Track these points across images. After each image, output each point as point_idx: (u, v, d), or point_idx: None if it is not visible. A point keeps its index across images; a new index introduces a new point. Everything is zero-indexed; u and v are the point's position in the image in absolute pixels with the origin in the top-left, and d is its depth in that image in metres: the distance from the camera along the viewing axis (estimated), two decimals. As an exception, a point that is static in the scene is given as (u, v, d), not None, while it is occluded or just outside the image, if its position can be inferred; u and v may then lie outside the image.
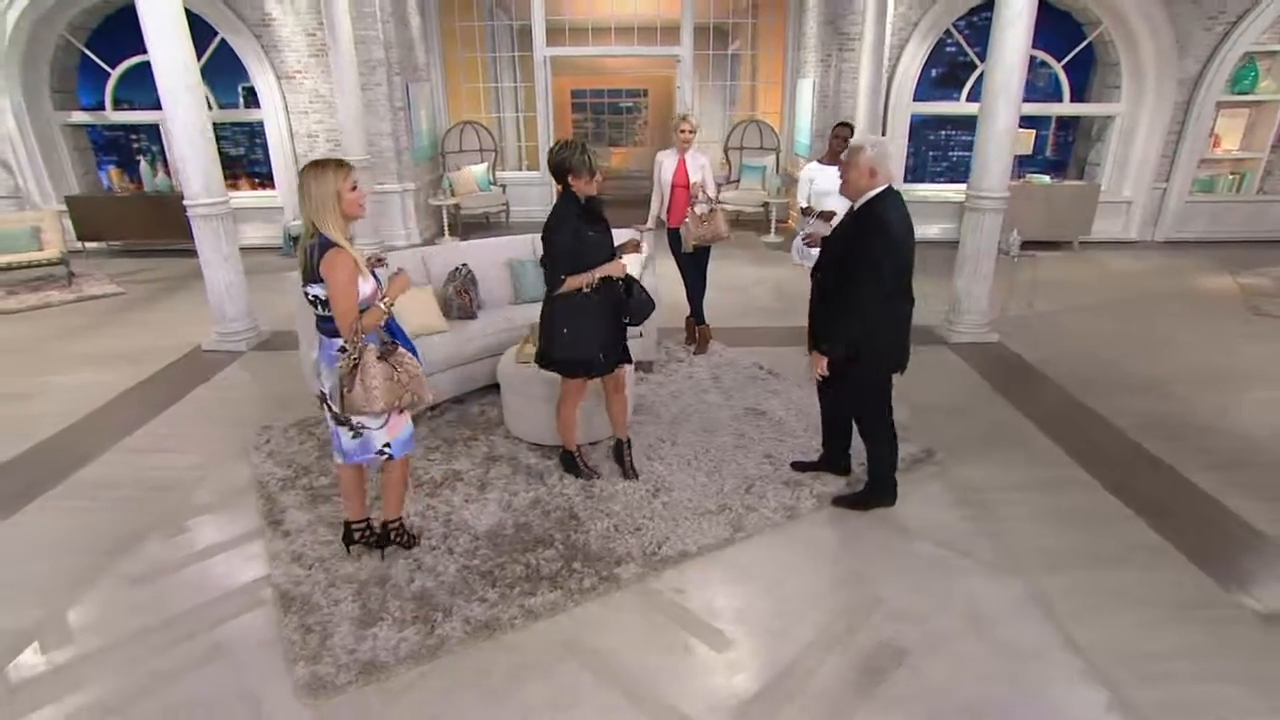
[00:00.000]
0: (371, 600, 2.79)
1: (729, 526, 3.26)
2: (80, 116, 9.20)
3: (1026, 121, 8.62)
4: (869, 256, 2.90)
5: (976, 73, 8.47)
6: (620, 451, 3.69)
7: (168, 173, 8.72)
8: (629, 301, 3.33)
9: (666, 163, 5.09)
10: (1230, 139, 8.75)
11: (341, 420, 2.74)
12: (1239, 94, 8.40)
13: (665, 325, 5.20)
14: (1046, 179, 8.74)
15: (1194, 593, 2.88)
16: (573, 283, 3.14)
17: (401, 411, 2.80)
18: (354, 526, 3.05)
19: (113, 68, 8.96)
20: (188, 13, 8.02)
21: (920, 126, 9.47)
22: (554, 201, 3.27)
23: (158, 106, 5.02)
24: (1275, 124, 8.46)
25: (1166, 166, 8.61)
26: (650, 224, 5.24)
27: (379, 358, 2.60)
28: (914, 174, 9.58)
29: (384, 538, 3.07)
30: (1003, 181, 5.13)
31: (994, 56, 4.91)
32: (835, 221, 4.73)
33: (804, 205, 5.00)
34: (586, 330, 3.24)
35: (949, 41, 8.69)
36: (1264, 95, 8.40)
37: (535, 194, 10.05)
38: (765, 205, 9.27)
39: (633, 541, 3.15)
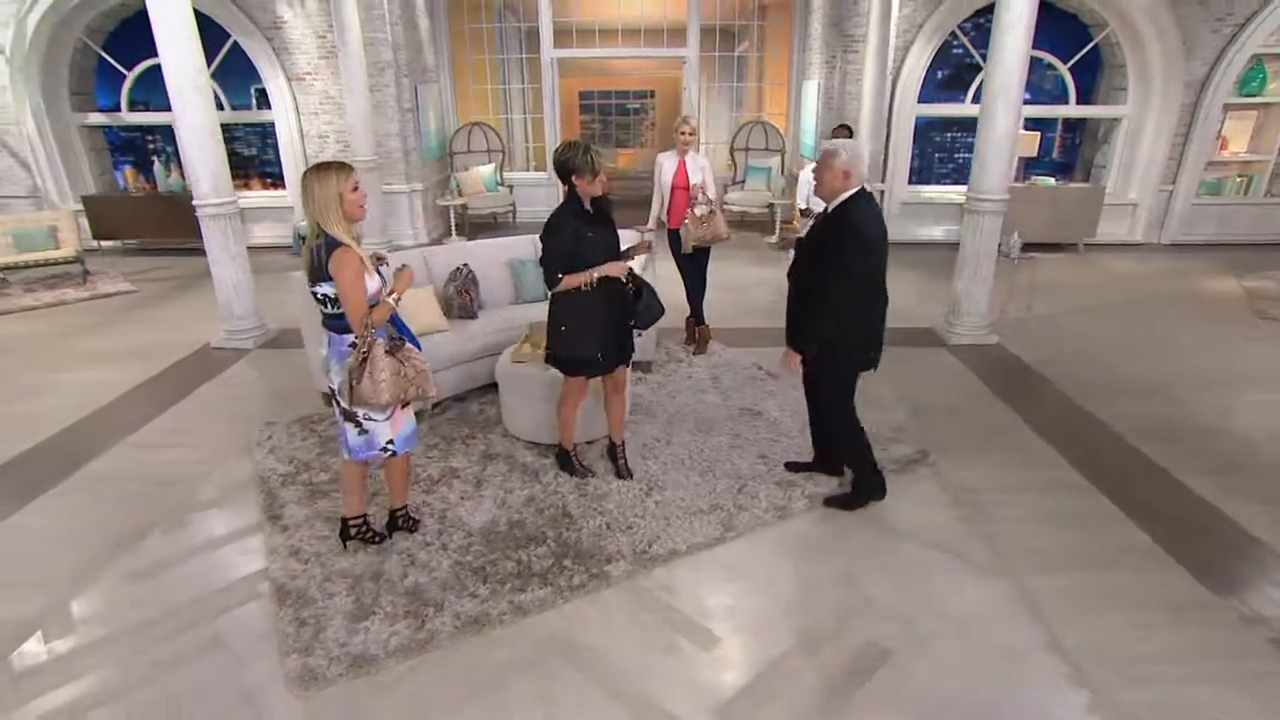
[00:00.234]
0: (365, 595, 2.84)
1: (720, 526, 3.29)
2: (97, 118, 9.38)
3: (1032, 124, 8.60)
4: (843, 256, 2.95)
5: (981, 75, 8.43)
6: (614, 451, 3.73)
7: (181, 173, 8.86)
8: (636, 305, 3.35)
9: (667, 164, 5.13)
10: (1238, 141, 8.68)
11: (349, 416, 2.83)
12: (1247, 96, 8.33)
13: (665, 326, 5.19)
14: (1051, 181, 8.70)
15: (1184, 596, 2.87)
16: (570, 281, 3.17)
17: (405, 405, 2.89)
18: (351, 523, 3.12)
19: (129, 70, 9.12)
20: (202, 15, 8.21)
21: (926, 128, 9.47)
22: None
23: (171, 108, 5.12)
24: (1284, 126, 8.40)
25: (1173, 169, 8.55)
26: (651, 225, 5.28)
27: (387, 352, 2.70)
28: (919, 175, 9.55)
29: (392, 524, 3.20)
30: (1002, 184, 5.13)
31: (994, 60, 4.92)
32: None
33: (803, 207, 5.03)
34: (585, 329, 3.26)
35: (955, 43, 8.66)
36: (1272, 97, 8.34)
37: (542, 194, 10.12)
38: (770, 206, 9.29)
39: (624, 540, 3.19)
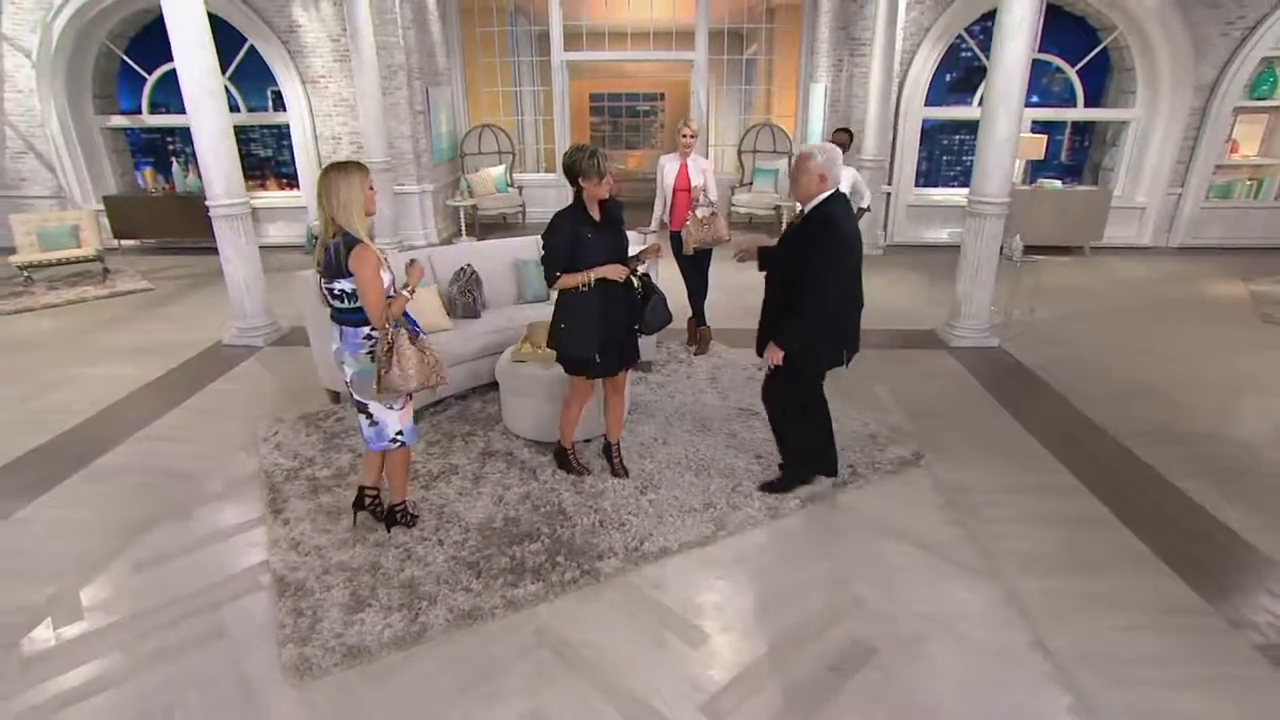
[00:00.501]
0: (362, 587, 2.91)
1: (712, 524, 3.33)
2: (119, 120, 9.60)
3: (1039, 126, 8.56)
4: (825, 256, 3.02)
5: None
6: (610, 450, 3.78)
7: (198, 174, 9.02)
8: (644, 310, 3.39)
9: (669, 167, 5.18)
10: (1249, 145, 8.60)
11: (361, 408, 2.98)
12: (1257, 99, 8.26)
13: (667, 327, 5.28)
14: (1058, 184, 8.66)
15: (1173, 600, 2.88)
16: (567, 280, 3.23)
17: (410, 397, 3.04)
18: (366, 491, 3.29)
19: (149, 73, 9.33)
20: (220, 20, 8.40)
21: (935, 131, 9.43)
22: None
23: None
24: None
25: (1181, 172, 8.48)
26: (654, 227, 5.33)
27: (411, 339, 2.85)
28: (927, 178, 9.52)
29: (390, 519, 3.28)
30: (1003, 187, 5.13)
31: (995, 65, 4.93)
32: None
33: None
34: (583, 329, 3.30)
35: (963, 46, 8.64)
36: (1283, 101, 8.25)
37: (552, 196, 10.18)
38: (777, 208, 9.31)
39: (616, 537, 3.24)
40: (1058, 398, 4.69)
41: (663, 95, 15.80)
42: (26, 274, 7.59)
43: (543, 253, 3.28)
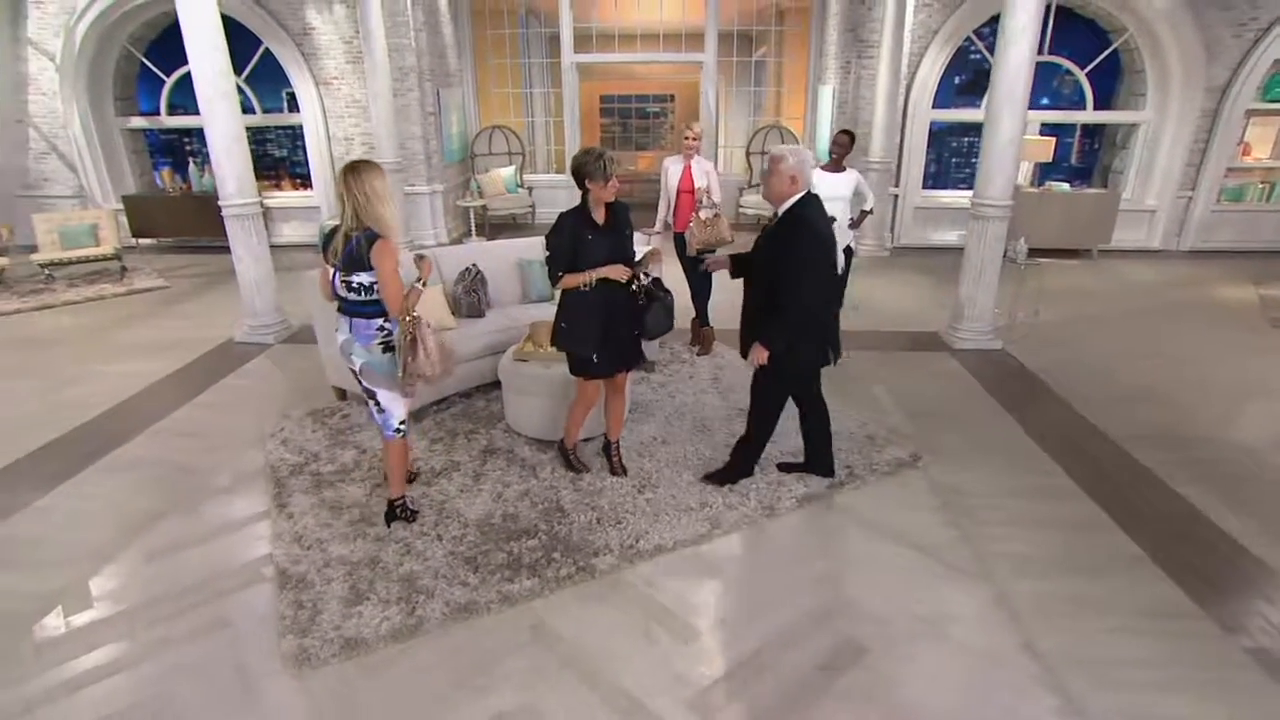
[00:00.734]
0: (361, 580, 2.98)
1: (707, 523, 3.37)
2: (138, 121, 9.79)
3: (1048, 129, 8.51)
4: (802, 255, 3.07)
5: (1001, 79, 8.39)
6: (609, 449, 3.82)
7: (214, 174, 9.18)
8: (644, 315, 3.42)
9: (673, 168, 5.22)
10: (1261, 147, 8.51)
11: (370, 395, 3.13)
12: (1270, 102, 8.17)
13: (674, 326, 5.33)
14: (1066, 187, 8.60)
15: (1166, 605, 2.88)
16: (569, 280, 3.28)
17: (441, 378, 3.17)
18: (394, 502, 3.37)
19: (168, 75, 9.51)
20: (236, 23, 8.55)
21: (943, 133, 9.39)
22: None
23: (204, 113, 5.37)
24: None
25: (1192, 175, 8.39)
26: (658, 228, 5.37)
27: (429, 327, 3.01)
28: (936, 180, 9.49)
29: (390, 514, 3.38)
30: (1007, 190, 5.13)
31: (999, 69, 4.93)
32: (835, 226, 4.82)
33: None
34: (583, 328, 3.35)
35: (972, 49, 8.61)
36: (1296, 103, 8.14)
37: (562, 196, 10.25)
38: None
39: (613, 534, 3.28)
40: (1059, 401, 4.69)
41: (672, 97, 15.85)
42: (48, 272, 7.77)
43: (548, 254, 3.33)
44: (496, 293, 5.06)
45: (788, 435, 4.12)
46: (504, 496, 3.60)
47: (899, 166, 8.67)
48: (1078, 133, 9.42)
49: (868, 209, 5.11)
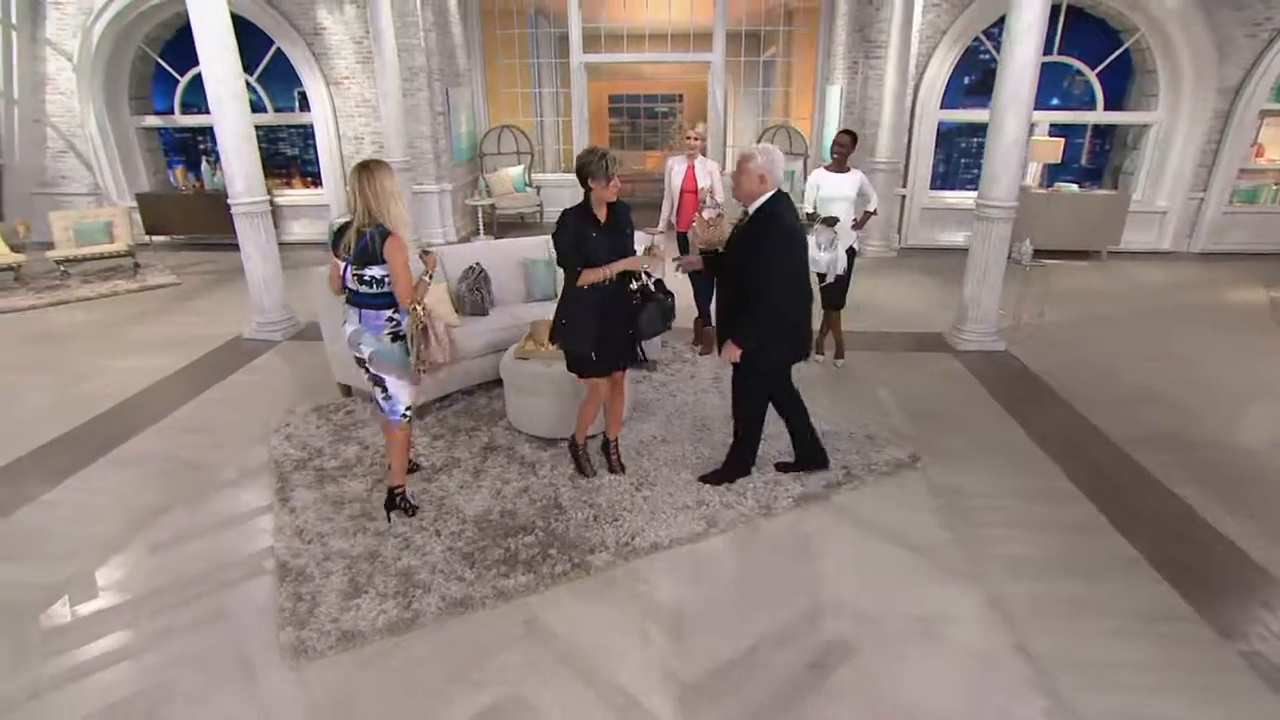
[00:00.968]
0: (360, 574, 3.02)
1: (704, 521, 3.39)
2: (153, 120, 9.93)
3: (1058, 130, 8.44)
4: (772, 253, 3.10)
5: (1012, 79, 8.33)
6: (608, 447, 3.85)
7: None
8: (639, 314, 3.45)
9: (676, 168, 5.24)
10: (1275, 149, 8.43)
11: (377, 382, 3.24)
12: (1286, 103, 8.05)
13: (674, 326, 5.33)
14: (1075, 188, 8.54)
15: (1162, 608, 2.87)
16: (589, 275, 3.30)
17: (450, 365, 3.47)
18: (394, 490, 3.45)
19: (182, 75, 9.64)
20: (250, 24, 8.65)
21: (952, 134, 9.34)
22: None
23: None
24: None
25: (1204, 176, 8.30)
26: (661, 228, 5.39)
27: (436, 318, 3.20)
28: (945, 181, 9.44)
29: (390, 502, 3.44)
30: (1011, 191, 5.11)
31: (1004, 69, 4.92)
32: (838, 227, 4.83)
33: (809, 211, 5.07)
34: (582, 326, 3.37)
35: (981, 49, 8.56)
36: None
37: (569, 196, 10.13)
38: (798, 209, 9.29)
39: (609, 532, 3.31)
40: (1062, 402, 4.66)
41: (681, 97, 15.87)
42: (63, 268, 7.90)
43: (558, 253, 3.35)
44: (500, 291, 5.10)
45: (783, 436, 4.12)
46: (503, 493, 3.64)
47: (906, 167, 8.64)
48: (1088, 133, 9.34)
49: (871, 209, 5.10)
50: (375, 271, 3.06)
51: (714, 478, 3.69)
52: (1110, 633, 2.73)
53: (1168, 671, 2.56)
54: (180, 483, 3.78)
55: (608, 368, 3.54)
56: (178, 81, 9.71)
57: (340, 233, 3.12)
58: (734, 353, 3.28)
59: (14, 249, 7.86)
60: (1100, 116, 8.72)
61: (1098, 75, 8.49)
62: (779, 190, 3.22)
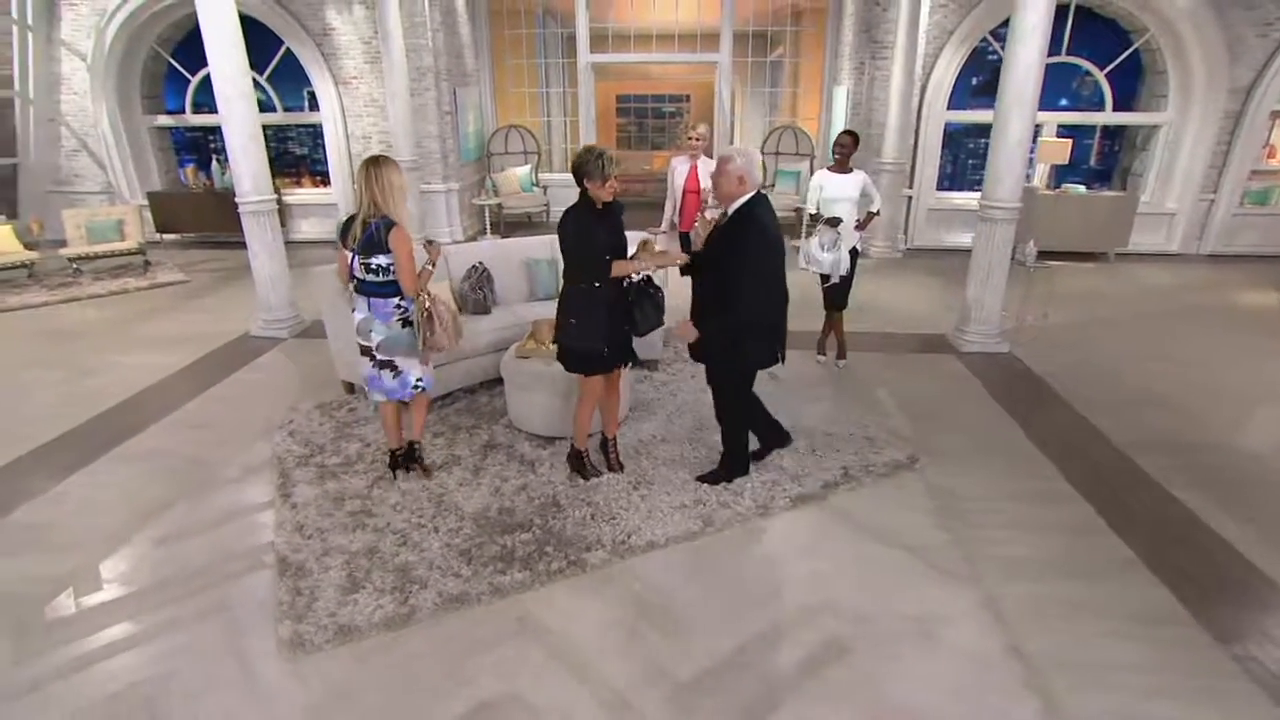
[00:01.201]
0: (358, 570, 3.06)
1: (700, 520, 3.40)
2: (164, 120, 10.04)
3: (1066, 130, 8.39)
4: (750, 254, 3.12)
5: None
6: (607, 445, 3.86)
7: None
8: (634, 311, 3.46)
9: (680, 168, 5.26)
10: (1288, 150, 8.30)
11: (385, 365, 3.45)
12: (1297, 103, 7.96)
13: (675, 326, 5.34)
14: (1082, 189, 8.48)
15: (1158, 610, 2.86)
16: (621, 268, 3.34)
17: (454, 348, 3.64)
18: (397, 453, 3.75)
19: (193, 75, 9.74)
20: (261, 24, 8.73)
21: (960, 135, 9.31)
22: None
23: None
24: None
25: (1214, 177, 8.23)
26: (664, 227, 5.41)
27: (442, 303, 3.44)
28: (953, 181, 9.41)
29: (409, 454, 3.77)
30: (1015, 192, 5.09)
31: (1008, 70, 4.90)
32: (840, 228, 4.83)
33: (812, 211, 5.07)
34: (592, 324, 3.38)
35: (989, 50, 8.52)
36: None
37: (575, 196, 10.32)
38: (798, 210, 9.28)
39: (605, 530, 3.32)
40: (1063, 404, 4.64)
41: (688, 97, 15.88)
42: (75, 266, 8.00)
43: (579, 253, 3.32)
44: (503, 290, 5.13)
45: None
46: (502, 491, 3.66)
47: (913, 168, 8.61)
48: (1097, 134, 9.28)
49: (874, 210, 5.09)
50: (381, 260, 3.24)
51: (711, 477, 3.70)
52: (1106, 635, 2.72)
53: (1163, 674, 2.55)
54: (184, 478, 3.83)
55: (613, 365, 3.55)
56: (189, 81, 9.81)
57: (348, 225, 3.30)
58: (690, 332, 3.31)
59: (28, 246, 7.98)
60: (1109, 117, 8.67)
61: (1107, 76, 8.44)
62: (758, 192, 3.24)
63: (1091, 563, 3.14)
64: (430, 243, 3.47)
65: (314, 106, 9.63)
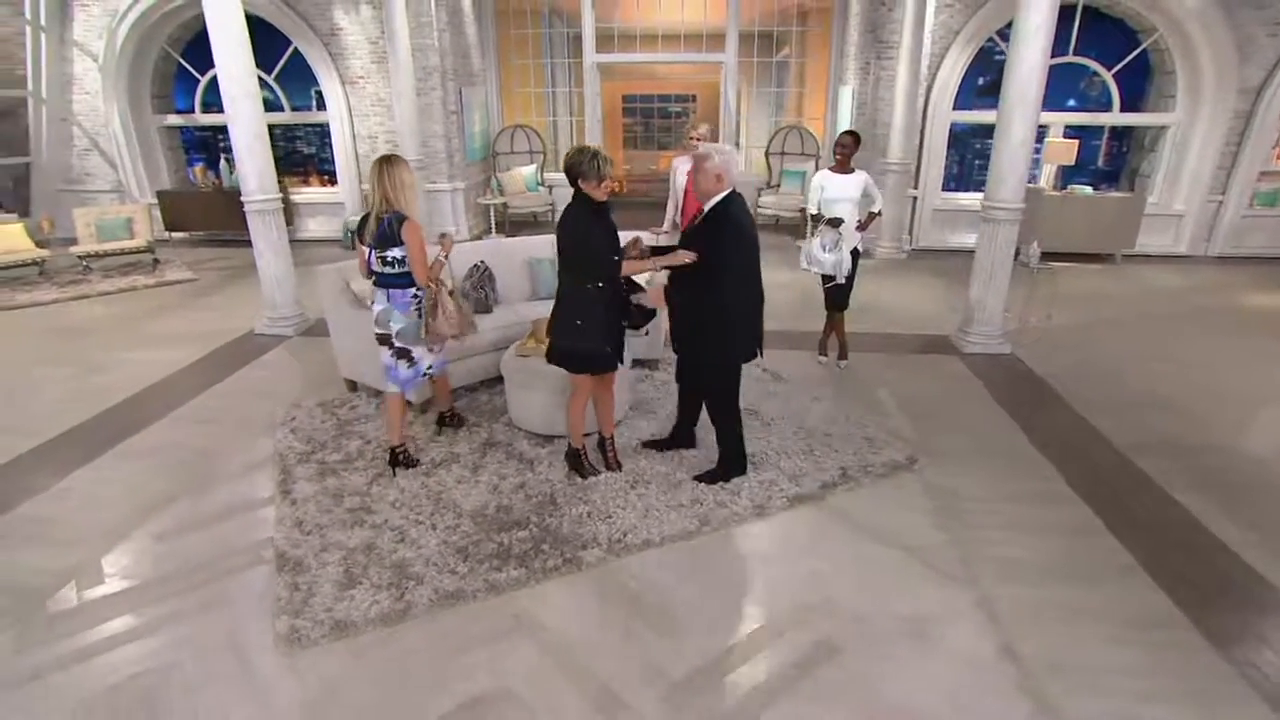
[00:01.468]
0: (355, 566, 3.08)
1: (697, 520, 3.40)
2: (174, 119, 10.14)
3: (1072, 131, 8.33)
4: (727, 250, 3.19)
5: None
6: (604, 445, 3.87)
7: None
8: (630, 306, 3.48)
9: (681, 168, 5.26)
10: (1298, 151, 8.21)
11: (402, 354, 3.64)
12: (1309, 104, 7.86)
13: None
14: (1089, 190, 8.42)
15: (1154, 613, 2.84)
16: (631, 267, 3.35)
17: (458, 339, 3.85)
18: (397, 450, 3.84)
19: (202, 75, 9.82)
20: (269, 25, 8.80)
21: (967, 135, 9.26)
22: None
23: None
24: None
25: (1223, 178, 8.16)
26: (666, 227, 5.41)
27: (449, 294, 3.65)
28: (959, 182, 9.36)
29: (442, 421, 4.24)
30: (1018, 193, 5.07)
31: (1011, 70, 4.88)
32: (842, 229, 4.82)
33: (814, 212, 5.06)
34: (597, 324, 3.39)
35: (996, 50, 8.48)
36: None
37: (581, 195, 10.34)
38: (802, 210, 9.26)
39: (602, 528, 3.34)
40: (1065, 406, 4.62)
41: (694, 97, 15.89)
42: (85, 263, 8.10)
43: (583, 254, 3.30)
44: (504, 289, 5.15)
45: (782, 435, 4.14)
46: (500, 488, 3.68)
47: (918, 168, 8.58)
48: (1105, 135, 9.22)
49: (876, 211, 5.08)
50: (396, 253, 3.46)
51: (709, 477, 3.71)
52: (1103, 638, 2.70)
53: (1158, 678, 2.54)
54: (188, 473, 3.87)
55: (615, 361, 3.56)
56: (198, 81, 9.90)
57: (363, 222, 3.53)
58: (661, 299, 3.41)
59: (39, 244, 8.08)
60: (1116, 118, 8.61)
61: (1115, 76, 8.38)
62: (734, 190, 3.31)
63: (1090, 565, 3.12)
64: (444, 235, 3.70)
65: (321, 106, 9.70)
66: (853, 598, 2.92)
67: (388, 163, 3.43)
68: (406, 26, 8.05)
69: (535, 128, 10.63)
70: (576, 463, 3.81)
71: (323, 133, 10.36)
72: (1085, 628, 2.76)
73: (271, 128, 5.77)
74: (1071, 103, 8.83)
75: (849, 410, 4.50)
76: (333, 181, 10.17)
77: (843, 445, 4.07)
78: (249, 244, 5.96)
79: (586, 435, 4.01)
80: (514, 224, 10.12)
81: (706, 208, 3.31)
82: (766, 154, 10.18)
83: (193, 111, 10.12)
